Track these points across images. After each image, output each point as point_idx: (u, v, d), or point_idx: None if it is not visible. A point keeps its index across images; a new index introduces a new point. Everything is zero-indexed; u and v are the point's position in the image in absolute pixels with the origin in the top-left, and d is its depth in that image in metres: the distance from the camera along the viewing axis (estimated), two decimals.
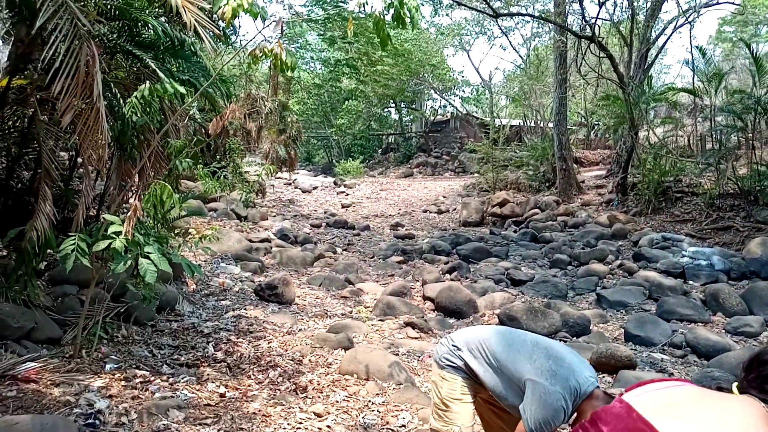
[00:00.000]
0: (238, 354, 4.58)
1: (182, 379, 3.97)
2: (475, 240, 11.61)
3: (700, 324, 6.41)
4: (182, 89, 4.44)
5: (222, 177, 10.73)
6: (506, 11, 17.07)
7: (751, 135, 11.56)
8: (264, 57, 4.60)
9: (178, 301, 5.49)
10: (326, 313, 6.31)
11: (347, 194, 20.27)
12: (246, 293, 6.61)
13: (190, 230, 6.45)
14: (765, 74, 11.62)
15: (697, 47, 12.82)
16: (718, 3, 15.65)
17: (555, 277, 8.89)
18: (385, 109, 33.86)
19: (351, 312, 6.48)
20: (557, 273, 9.25)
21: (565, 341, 5.71)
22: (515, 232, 13.19)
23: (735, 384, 1.34)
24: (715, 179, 12.25)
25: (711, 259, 8.71)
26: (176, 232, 5.93)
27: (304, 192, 20.24)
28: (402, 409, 3.90)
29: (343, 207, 17.71)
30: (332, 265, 8.94)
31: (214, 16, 5.06)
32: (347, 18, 12.37)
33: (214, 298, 6.20)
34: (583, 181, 16.51)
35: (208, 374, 4.11)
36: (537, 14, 15.18)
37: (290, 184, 21.17)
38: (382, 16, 4.49)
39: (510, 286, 8.28)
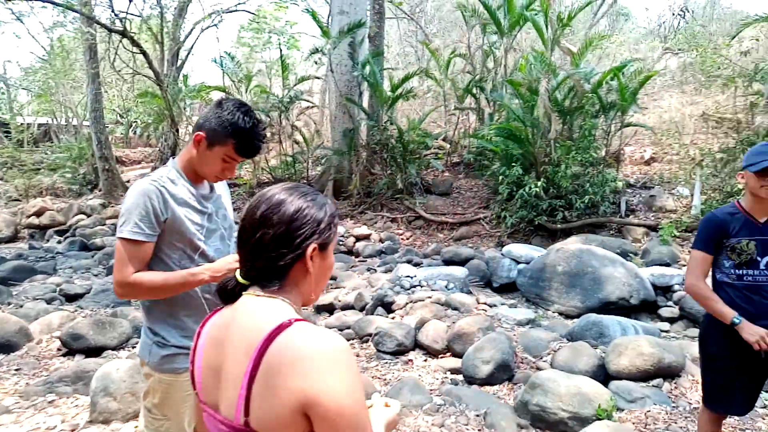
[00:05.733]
0: None
1: None
2: (13, 258, 9.93)
3: None
4: None
5: None
6: None
7: (276, 129, 13.25)
8: None
9: None
10: None
11: None
12: None
13: None
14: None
15: (226, 53, 13.91)
16: (237, 10, 17.30)
17: None
18: None
19: None
20: None
21: None
22: (60, 242, 11.84)
23: (237, 272, 1.17)
24: (252, 170, 13.66)
25: None
26: None
27: None
28: None
29: None
30: None
31: None
32: None
33: None
34: (128, 181, 15.99)
35: None
36: (59, 1, 13.64)
37: None
38: None
39: (66, 302, 7.41)
